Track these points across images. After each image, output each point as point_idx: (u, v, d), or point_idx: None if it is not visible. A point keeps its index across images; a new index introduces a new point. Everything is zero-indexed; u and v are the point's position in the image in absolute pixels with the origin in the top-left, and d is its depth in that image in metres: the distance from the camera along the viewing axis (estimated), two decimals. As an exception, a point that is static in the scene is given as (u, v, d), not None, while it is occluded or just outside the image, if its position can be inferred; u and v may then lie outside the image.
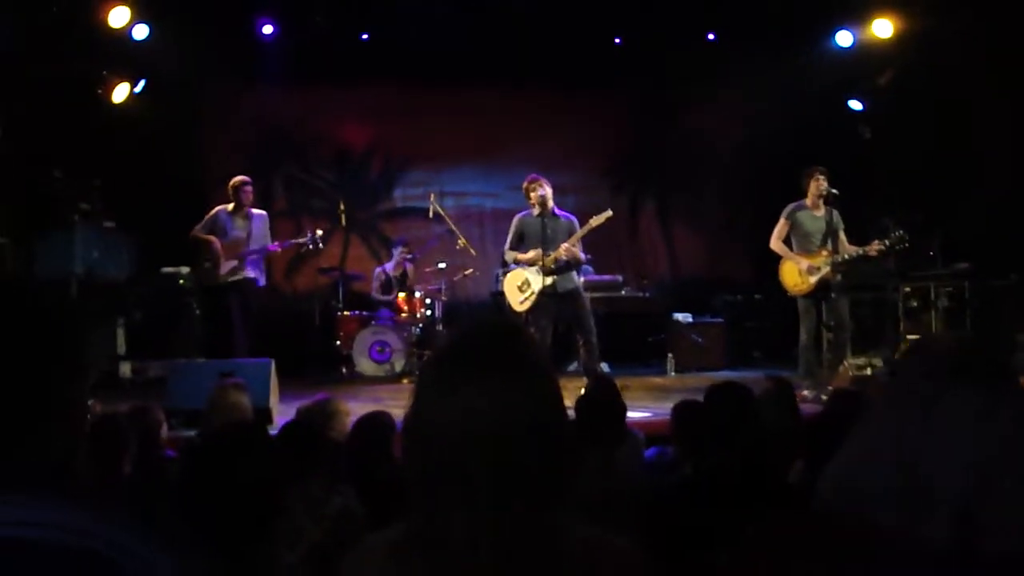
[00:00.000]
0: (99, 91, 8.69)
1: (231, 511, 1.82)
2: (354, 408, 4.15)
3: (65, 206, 8.56)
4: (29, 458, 1.09)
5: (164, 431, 4.16)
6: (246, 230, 7.59)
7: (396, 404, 4.90)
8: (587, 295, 7.40)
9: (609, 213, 7.02)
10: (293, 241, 8.20)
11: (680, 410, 3.56)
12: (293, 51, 10.38)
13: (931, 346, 1.28)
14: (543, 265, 6.92)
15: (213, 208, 7.76)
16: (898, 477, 1.12)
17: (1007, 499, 1.09)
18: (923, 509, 1.09)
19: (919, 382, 1.19)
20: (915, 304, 8.47)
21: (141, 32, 8.58)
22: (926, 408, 1.15)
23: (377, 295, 9.92)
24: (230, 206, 7.65)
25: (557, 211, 7.19)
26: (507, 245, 7.31)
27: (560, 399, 1.21)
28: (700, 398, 3.34)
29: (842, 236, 7.01)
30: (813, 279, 6.92)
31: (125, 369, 8.55)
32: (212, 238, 7.51)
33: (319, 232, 8.08)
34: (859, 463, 1.18)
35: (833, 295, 6.96)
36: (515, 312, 7.11)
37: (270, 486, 1.91)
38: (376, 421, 3.46)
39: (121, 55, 8.67)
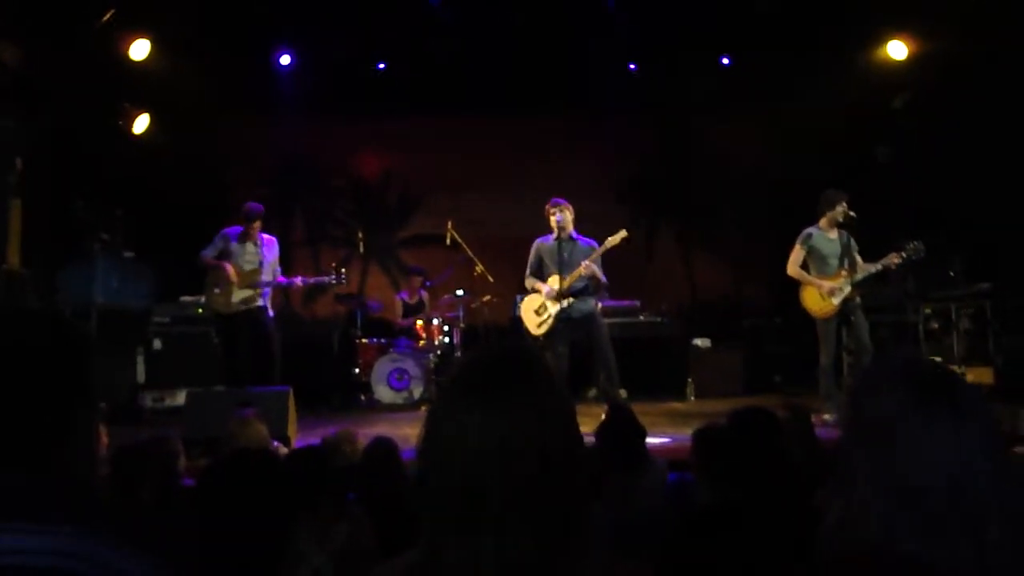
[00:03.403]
0: (120, 122, 8.79)
1: (240, 536, 1.82)
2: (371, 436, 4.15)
3: (86, 236, 8.63)
4: (33, 482, 1.09)
5: (182, 461, 4.17)
6: (258, 257, 7.42)
7: (414, 432, 4.87)
8: (604, 320, 7.33)
9: (624, 233, 6.96)
10: (317, 278, 8.06)
11: (701, 436, 3.52)
12: (311, 81, 10.49)
13: (891, 369, 1.24)
14: (559, 289, 6.90)
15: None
16: (896, 505, 1.10)
17: (1003, 516, 1.08)
18: (935, 534, 1.08)
19: (886, 407, 1.17)
20: (936, 325, 8.38)
21: (161, 64, 8.70)
22: (899, 432, 1.13)
23: (400, 321, 9.97)
24: (240, 229, 7.46)
25: (576, 236, 7.17)
26: (528, 271, 7.28)
27: (574, 423, 1.19)
28: (720, 423, 3.29)
29: (857, 257, 6.99)
30: (836, 300, 6.87)
31: (145, 398, 8.58)
32: (225, 264, 7.32)
33: (343, 271, 7.86)
34: (857, 503, 1.16)
35: (852, 317, 6.91)
36: (532, 336, 7.07)
37: (278, 513, 1.90)
38: (381, 447, 3.46)
39: (141, 87, 8.78)
